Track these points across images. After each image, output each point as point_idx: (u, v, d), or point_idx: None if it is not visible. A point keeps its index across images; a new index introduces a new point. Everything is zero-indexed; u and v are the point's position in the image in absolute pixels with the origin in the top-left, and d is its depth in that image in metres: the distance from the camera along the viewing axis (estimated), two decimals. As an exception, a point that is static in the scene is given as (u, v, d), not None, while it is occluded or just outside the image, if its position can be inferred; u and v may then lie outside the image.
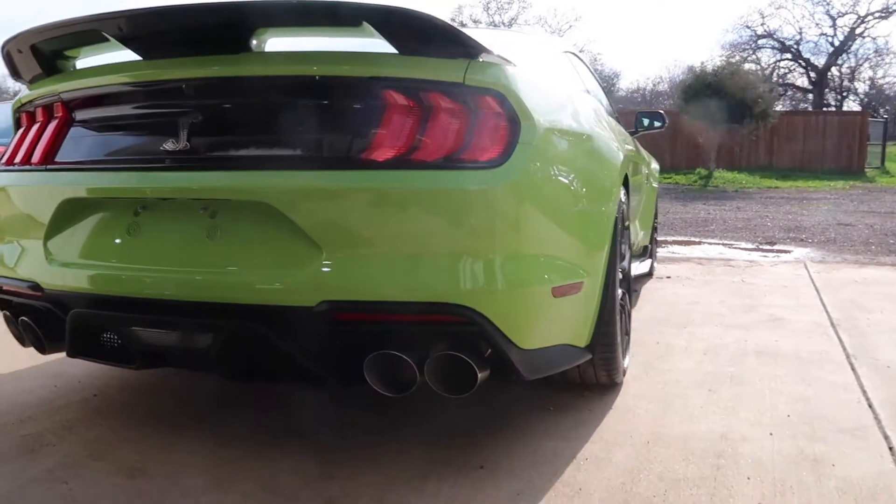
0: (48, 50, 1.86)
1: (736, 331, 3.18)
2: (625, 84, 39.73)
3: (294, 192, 1.54)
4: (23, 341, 2.02)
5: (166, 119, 1.71)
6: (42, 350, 1.94)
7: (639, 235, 3.62)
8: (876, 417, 2.07)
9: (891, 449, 1.85)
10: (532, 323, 1.66)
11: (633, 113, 4.78)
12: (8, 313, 1.98)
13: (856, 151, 18.04)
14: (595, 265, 1.93)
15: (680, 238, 7.12)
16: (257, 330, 1.59)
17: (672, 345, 2.93)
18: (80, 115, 1.87)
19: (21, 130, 2.03)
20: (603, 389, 2.30)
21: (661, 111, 3.98)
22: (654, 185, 4.85)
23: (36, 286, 1.80)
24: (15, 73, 1.99)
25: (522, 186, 1.56)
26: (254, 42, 1.64)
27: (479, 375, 1.58)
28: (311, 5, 1.57)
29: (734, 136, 16.20)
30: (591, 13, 61.33)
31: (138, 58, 1.73)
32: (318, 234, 1.54)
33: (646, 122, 4.00)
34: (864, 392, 2.30)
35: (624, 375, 2.36)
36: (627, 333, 2.53)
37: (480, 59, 1.61)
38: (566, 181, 1.75)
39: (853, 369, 2.56)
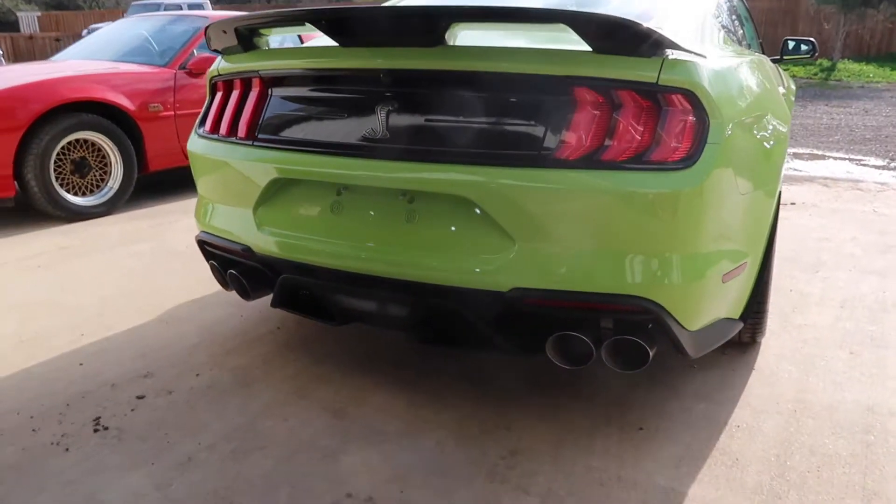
0: (247, 29, 2.00)
1: (872, 278, 3.16)
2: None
3: (490, 188, 1.67)
4: (227, 287, 2.32)
5: (363, 106, 1.85)
6: (247, 298, 2.21)
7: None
8: None
9: None
10: (702, 308, 1.77)
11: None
12: (216, 264, 2.26)
13: None
14: (759, 244, 2.00)
15: (802, 151, 6.80)
16: (451, 308, 1.79)
17: (806, 293, 2.98)
18: (277, 92, 2.04)
19: (218, 98, 2.21)
20: (743, 347, 2.41)
21: (813, 39, 3.75)
22: (791, 99, 4.65)
23: (248, 249, 2.05)
24: (209, 45, 2.15)
25: (708, 188, 1.63)
26: (447, 36, 1.72)
27: (650, 354, 1.73)
28: (517, 10, 1.62)
29: (865, 23, 14.71)
30: None
31: (335, 43, 1.84)
32: (512, 227, 1.69)
33: (791, 45, 3.79)
34: None
35: (764, 335, 2.46)
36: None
37: (672, 56, 1.63)
38: (746, 174, 1.80)
39: None
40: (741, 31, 2.98)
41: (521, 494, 1.65)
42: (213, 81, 2.25)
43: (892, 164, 6.14)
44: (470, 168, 1.70)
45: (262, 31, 2.06)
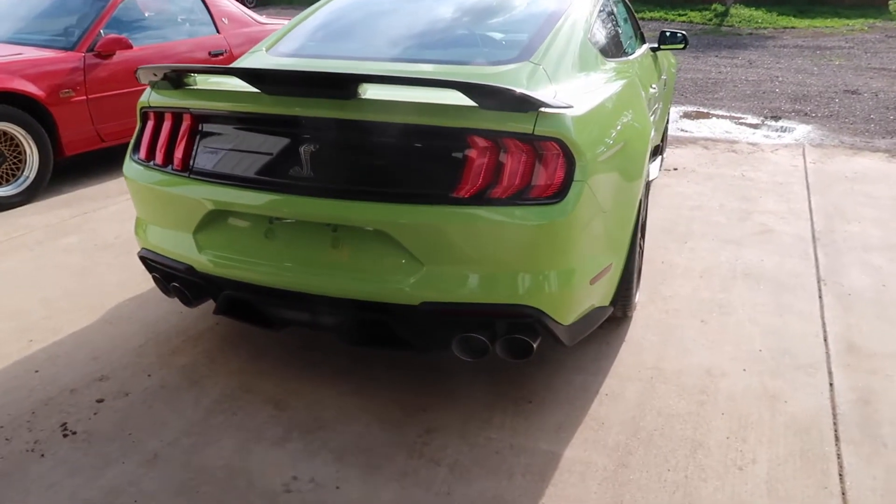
0: (175, 72, 2.22)
1: (730, 247, 3.74)
2: None
3: (399, 222, 2.02)
4: (169, 295, 2.58)
5: (289, 146, 2.14)
6: (189, 305, 2.50)
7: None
8: (827, 352, 2.70)
9: (831, 385, 2.50)
10: (574, 307, 2.21)
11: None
12: (158, 276, 2.52)
13: (881, -18, 17.23)
14: (622, 247, 2.45)
15: (690, 109, 7.41)
16: (371, 318, 2.16)
17: (674, 265, 3.51)
18: (208, 128, 2.28)
19: (149, 127, 2.43)
20: (617, 321, 2.91)
21: (684, 32, 4.22)
22: (673, 71, 5.13)
23: (190, 268, 2.32)
24: (139, 80, 2.36)
25: (575, 217, 2.04)
26: (359, 90, 2.03)
27: (534, 347, 2.17)
28: (417, 79, 1.94)
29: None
30: None
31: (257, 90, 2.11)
32: (420, 253, 2.05)
33: (668, 35, 4.24)
34: (824, 325, 2.92)
35: (634, 309, 2.95)
36: (639, 271, 3.08)
37: (545, 110, 2.00)
38: (608, 198, 2.21)
39: (820, 297, 3.16)
40: (619, 38, 3.37)
41: (434, 466, 2.08)
42: (143, 111, 2.46)
43: (765, 123, 6.83)
44: (382, 205, 2.04)
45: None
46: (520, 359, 2.19)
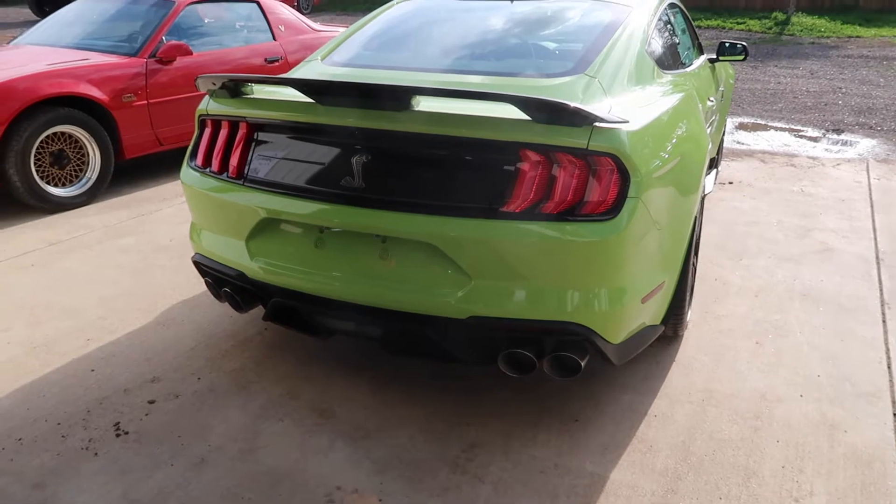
0: (233, 82, 2.26)
1: (787, 265, 3.61)
2: None
3: (449, 235, 2.00)
4: (220, 299, 2.63)
5: (341, 157, 2.15)
6: (239, 311, 2.54)
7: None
8: (890, 380, 2.58)
9: (895, 415, 2.38)
10: (624, 325, 2.16)
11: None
12: (210, 281, 2.57)
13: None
14: (675, 264, 2.38)
15: (747, 120, 7.21)
16: (419, 330, 2.15)
17: (728, 283, 3.41)
18: (263, 137, 2.31)
19: (206, 134, 2.48)
20: (668, 340, 2.83)
21: (744, 43, 4.10)
22: (731, 82, 5.00)
23: (242, 275, 2.36)
24: (198, 88, 2.41)
25: (628, 234, 1.99)
26: (412, 102, 2.03)
27: (582, 365, 2.12)
28: (471, 92, 1.93)
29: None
30: None
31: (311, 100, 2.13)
32: (468, 267, 2.03)
33: (727, 46, 4.14)
34: (888, 350, 2.78)
35: (686, 328, 2.88)
36: (692, 289, 3.00)
37: (600, 125, 1.96)
38: (663, 214, 2.16)
39: (884, 321, 3.02)
40: (677, 49, 3.30)
41: (477, 483, 2.05)
42: (201, 118, 2.51)
43: (826, 136, 6.59)
44: (432, 218, 2.03)
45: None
46: (567, 377, 2.16)
